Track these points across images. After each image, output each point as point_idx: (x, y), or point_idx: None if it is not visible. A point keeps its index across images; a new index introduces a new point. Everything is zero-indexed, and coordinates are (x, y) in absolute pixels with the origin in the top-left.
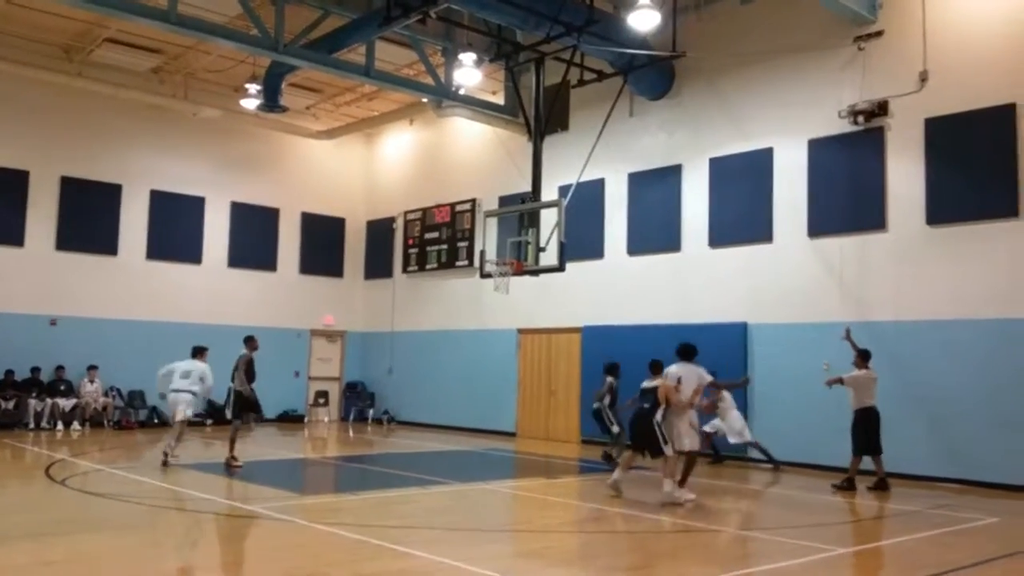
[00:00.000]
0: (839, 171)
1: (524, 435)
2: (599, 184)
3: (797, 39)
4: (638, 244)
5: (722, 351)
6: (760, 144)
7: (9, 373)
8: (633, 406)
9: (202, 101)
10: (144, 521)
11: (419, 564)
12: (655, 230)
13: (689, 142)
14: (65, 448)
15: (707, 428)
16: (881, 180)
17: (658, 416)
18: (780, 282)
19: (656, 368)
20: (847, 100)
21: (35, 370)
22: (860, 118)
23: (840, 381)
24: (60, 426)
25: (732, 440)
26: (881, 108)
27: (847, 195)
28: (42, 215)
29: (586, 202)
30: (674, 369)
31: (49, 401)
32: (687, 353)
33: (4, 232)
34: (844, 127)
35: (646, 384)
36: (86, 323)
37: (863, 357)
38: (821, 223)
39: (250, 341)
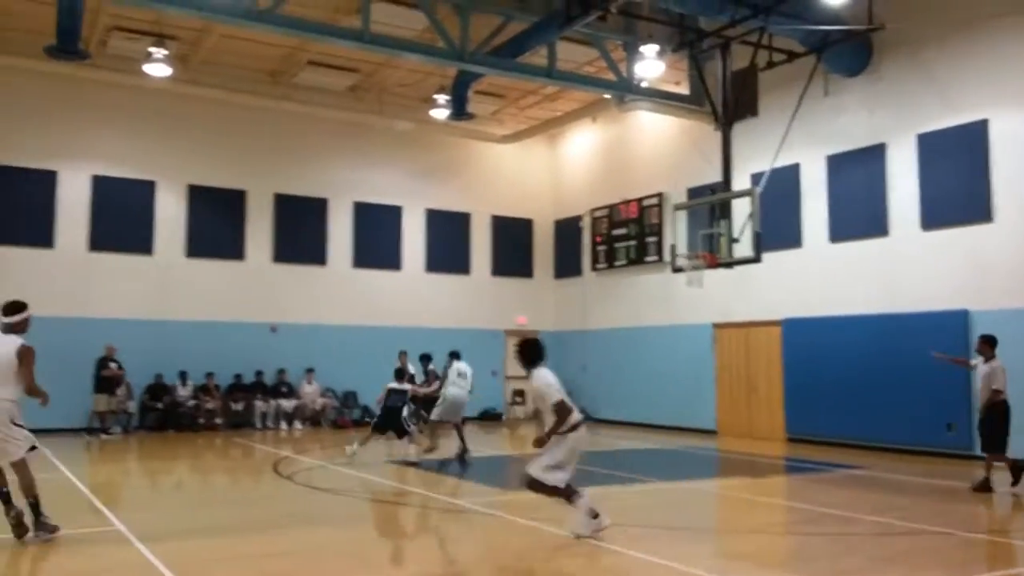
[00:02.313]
0: None
1: (725, 432)
2: (794, 169)
3: (1005, 1)
4: (840, 230)
5: (938, 339)
6: (973, 116)
7: (237, 377)
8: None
9: (396, 115)
10: (362, 515)
11: (623, 561)
12: (859, 214)
13: (893, 119)
14: (289, 446)
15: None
16: None
17: (406, 411)
18: (1005, 264)
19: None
20: None
21: (259, 373)
22: None
23: (998, 393)
24: (284, 425)
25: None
26: None
27: None
28: (259, 231)
29: (781, 189)
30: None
31: (273, 402)
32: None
33: (228, 248)
34: None
35: (394, 386)
36: (302, 329)
37: (991, 344)
38: None
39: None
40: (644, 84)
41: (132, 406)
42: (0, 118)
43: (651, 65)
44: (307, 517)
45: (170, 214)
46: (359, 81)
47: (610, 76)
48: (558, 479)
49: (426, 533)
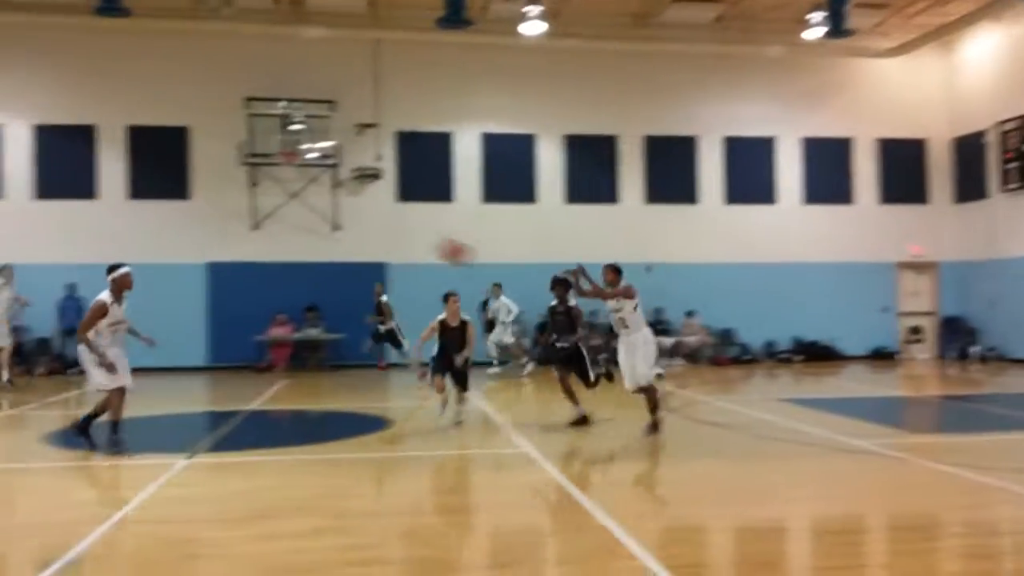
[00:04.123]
0: None
1: None
2: None
3: None
4: None
5: None
6: None
7: None
8: None
9: (765, 41)
10: (754, 450)
11: None
12: None
13: None
14: (671, 381)
15: None
16: None
17: None
18: None
19: None
20: None
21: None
22: None
23: None
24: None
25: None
26: None
27: None
28: (631, 173)
29: None
30: None
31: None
32: None
33: (602, 192)
34: None
35: None
36: (676, 268)
37: None
38: None
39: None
40: None
41: (526, 343)
42: (400, 88)
43: None
44: (698, 450)
45: (549, 164)
46: (725, 11)
47: None
48: None
49: (827, 473)
